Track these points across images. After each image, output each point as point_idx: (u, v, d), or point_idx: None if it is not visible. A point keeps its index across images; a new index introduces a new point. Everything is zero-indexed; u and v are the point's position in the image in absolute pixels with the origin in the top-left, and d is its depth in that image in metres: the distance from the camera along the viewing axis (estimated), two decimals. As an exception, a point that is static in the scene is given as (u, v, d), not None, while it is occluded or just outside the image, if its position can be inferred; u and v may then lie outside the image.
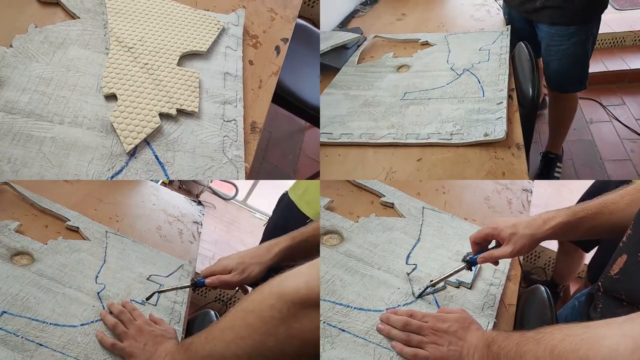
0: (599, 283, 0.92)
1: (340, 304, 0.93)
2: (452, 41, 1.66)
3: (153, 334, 0.95)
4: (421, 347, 0.85)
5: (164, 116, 0.81)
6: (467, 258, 0.99)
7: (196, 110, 0.84)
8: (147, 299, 1.08)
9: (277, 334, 0.76)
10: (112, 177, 0.74)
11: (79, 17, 0.91)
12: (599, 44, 2.87)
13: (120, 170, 0.75)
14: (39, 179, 0.73)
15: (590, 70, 2.57)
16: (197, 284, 1.10)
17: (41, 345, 0.89)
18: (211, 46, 0.91)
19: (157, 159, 0.76)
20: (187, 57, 0.91)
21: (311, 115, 1.65)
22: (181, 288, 1.10)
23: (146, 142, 0.77)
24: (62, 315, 0.96)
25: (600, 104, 2.63)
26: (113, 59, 0.85)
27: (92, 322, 0.97)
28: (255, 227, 2.71)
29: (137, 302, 1.08)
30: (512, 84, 1.41)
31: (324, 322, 0.89)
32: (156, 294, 1.10)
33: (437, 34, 1.74)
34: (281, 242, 1.12)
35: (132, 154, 0.75)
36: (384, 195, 1.27)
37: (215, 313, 1.19)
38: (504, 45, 1.58)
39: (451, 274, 1.00)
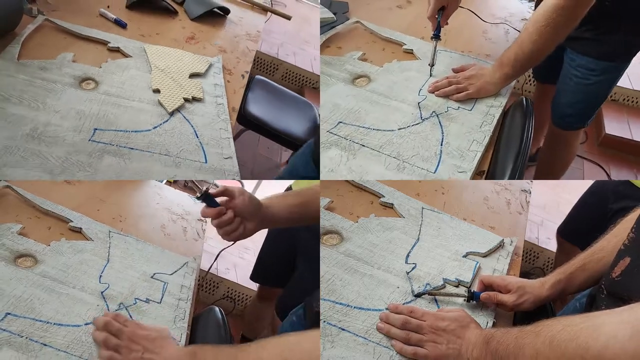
0: (602, 285, 0.92)
1: (340, 304, 0.93)
2: (441, 61, 1.35)
3: (149, 338, 0.92)
4: (421, 346, 0.86)
5: (185, 100, 1.25)
6: (472, 290, 1.00)
7: (202, 97, 1.27)
8: (199, 197, 1.01)
9: None
10: (161, 124, 1.16)
11: (131, 56, 1.35)
12: (629, 101, 2.30)
13: (166, 121, 1.17)
14: (124, 129, 1.10)
15: (610, 131, 2.00)
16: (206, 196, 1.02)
17: (45, 345, 0.90)
18: (205, 71, 1.38)
19: (184, 117, 1.20)
20: (192, 76, 1.35)
21: (285, 140, 2.02)
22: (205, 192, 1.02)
23: (177, 110, 1.21)
24: (66, 315, 0.97)
25: (607, 174, 2.08)
26: (154, 75, 1.30)
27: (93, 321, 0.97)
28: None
29: (141, 299, 1.08)
30: (487, 158, 1.16)
31: (324, 321, 0.89)
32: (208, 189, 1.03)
33: (429, 44, 1.40)
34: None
35: (171, 114, 1.20)
36: (384, 196, 1.25)
37: (220, 310, 1.19)
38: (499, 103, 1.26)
39: (450, 294, 1.01)
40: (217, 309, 1.20)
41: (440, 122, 1.20)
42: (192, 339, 1.07)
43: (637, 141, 2.17)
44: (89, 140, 1.01)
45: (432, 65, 1.32)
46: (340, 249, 1.07)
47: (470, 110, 1.25)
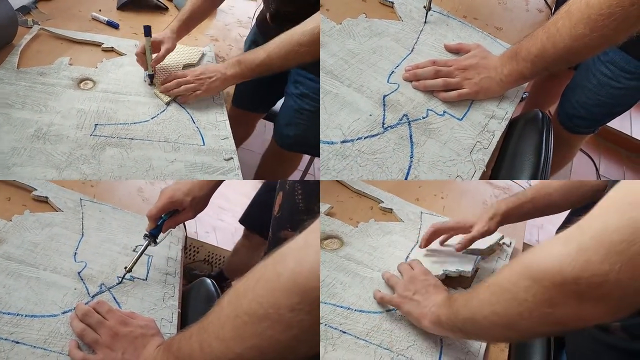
0: None
1: (341, 307, 0.94)
2: (431, 29, 1.07)
3: (131, 335, 0.81)
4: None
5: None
6: None
7: None
8: (119, 283, 0.96)
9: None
10: (158, 114, 1.16)
11: (125, 54, 1.33)
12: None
13: (163, 111, 1.17)
14: (123, 122, 1.09)
15: (610, 124, 1.59)
16: (154, 236, 1.01)
17: (17, 342, 0.77)
18: (198, 60, 1.39)
19: (180, 105, 1.20)
20: (185, 67, 1.35)
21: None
22: (143, 252, 0.99)
23: (174, 100, 1.21)
24: (39, 305, 0.85)
25: (596, 168, 1.93)
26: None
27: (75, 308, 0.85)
28: (240, 184, 2.63)
29: (127, 279, 0.98)
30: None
31: (325, 325, 0.89)
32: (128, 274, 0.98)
33: None
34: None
35: (168, 104, 1.20)
36: (383, 201, 1.26)
37: (212, 282, 1.11)
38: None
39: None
40: (208, 281, 1.12)
41: (411, 136, 0.87)
42: (183, 317, 0.99)
43: (635, 139, 2.12)
44: (91, 135, 1.05)
45: (428, 9, 1.05)
46: (341, 253, 1.07)
47: (461, 119, 0.94)
